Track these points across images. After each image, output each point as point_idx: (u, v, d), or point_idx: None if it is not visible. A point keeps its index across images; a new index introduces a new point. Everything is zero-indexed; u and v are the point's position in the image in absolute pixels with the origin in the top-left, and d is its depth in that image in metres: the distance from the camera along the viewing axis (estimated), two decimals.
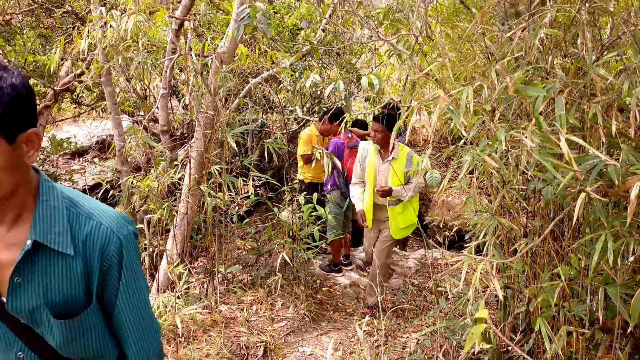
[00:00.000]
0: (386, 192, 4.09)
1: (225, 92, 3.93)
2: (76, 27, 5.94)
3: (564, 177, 1.94)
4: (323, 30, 5.02)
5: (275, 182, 4.80)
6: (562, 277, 2.23)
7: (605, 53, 2.46)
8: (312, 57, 5.56)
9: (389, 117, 4.08)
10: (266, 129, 6.85)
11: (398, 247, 6.85)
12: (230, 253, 5.03)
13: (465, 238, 2.88)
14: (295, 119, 7.13)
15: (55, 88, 6.05)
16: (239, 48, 3.90)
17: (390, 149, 4.22)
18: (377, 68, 7.89)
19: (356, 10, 3.04)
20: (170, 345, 3.33)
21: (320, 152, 4.30)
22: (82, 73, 5.90)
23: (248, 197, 4.44)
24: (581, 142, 1.86)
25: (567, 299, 2.41)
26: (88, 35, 3.97)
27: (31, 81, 6.51)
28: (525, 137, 1.90)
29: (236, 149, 4.00)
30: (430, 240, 2.86)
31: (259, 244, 5.29)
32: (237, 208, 4.66)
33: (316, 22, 5.47)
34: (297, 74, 5.42)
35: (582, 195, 1.87)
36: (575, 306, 2.40)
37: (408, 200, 4.17)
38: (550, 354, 2.20)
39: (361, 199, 4.45)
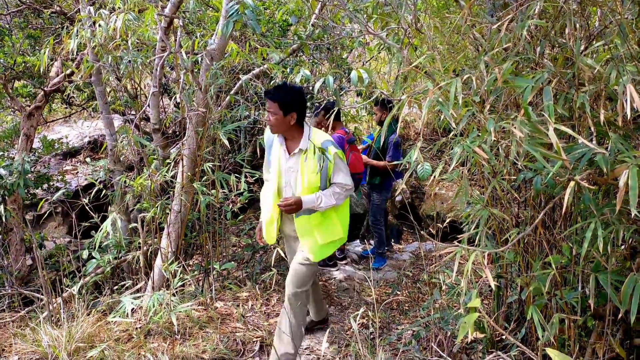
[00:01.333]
0: (291, 208, 3.06)
1: (216, 89, 3.92)
2: (65, 27, 5.91)
3: (553, 167, 1.96)
4: (312, 25, 5.02)
5: None
6: (554, 266, 2.25)
7: (592, 42, 2.48)
8: (303, 52, 5.55)
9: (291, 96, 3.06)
10: (258, 126, 6.84)
11: (393, 240, 6.87)
12: (225, 250, 5.03)
13: (463, 229, 2.90)
14: None
15: (45, 89, 6.01)
16: (229, 45, 3.90)
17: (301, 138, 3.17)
18: (368, 62, 7.89)
19: (345, 4, 3.05)
20: (166, 342, 3.33)
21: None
22: (72, 73, 5.88)
23: (242, 194, 4.45)
24: (570, 131, 1.88)
25: (559, 287, 2.44)
26: (77, 35, 3.95)
27: (21, 82, 6.47)
28: (515, 127, 1.91)
29: (229, 146, 4.00)
30: (423, 232, 2.88)
31: (254, 240, 5.29)
32: (230, 205, 4.67)
33: (306, 18, 5.47)
34: (288, 70, 5.42)
35: (572, 184, 1.89)
36: (567, 294, 2.43)
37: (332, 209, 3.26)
38: (543, 342, 2.22)
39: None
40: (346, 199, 3.30)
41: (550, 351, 1.50)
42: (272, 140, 3.30)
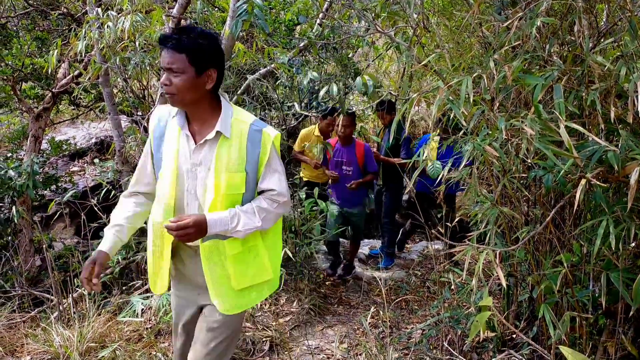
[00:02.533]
0: (188, 233, 1.90)
1: (223, 90, 3.93)
2: (72, 29, 5.94)
3: (564, 164, 1.95)
4: (320, 25, 5.02)
5: None
6: (565, 264, 2.25)
7: (602, 40, 2.47)
8: (310, 52, 5.56)
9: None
10: None
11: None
12: None
13: (471, 228, 2.89)
14: (293, 114, 7.14)
15: (53, 90, 6.05)
16: (236, 45, 3.91)
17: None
18: (374, 61, 7.89)
19: (353, 3, 3.05)
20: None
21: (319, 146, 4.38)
22: (80, 74, 5.91)
23: None
24: (581, 129, 1.88)
25: (569, 285, 2.43)
26: (85, 37, 3.98)
27: (29, 84, 6.51)
28: (525, 125, 1.91)
29: None
30: (433, 231, 2.87)
31: None
32: None
33: (313, 17, 5.47)
34: (294, 70, 5.43)
35: (583, 181, 1.89)
36: (578, 292, 2.42)
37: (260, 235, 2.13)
38: (555, 340, 2.22)
39: (118, 230, 2.12)
40: (278, 219, 2.17)
41: (563, 349, 1.50)
42: (163, 127, 2.10)
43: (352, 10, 3.20)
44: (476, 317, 1.93)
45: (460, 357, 2.52)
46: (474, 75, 2.15)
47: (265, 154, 2.05)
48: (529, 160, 2.17)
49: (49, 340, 3.24)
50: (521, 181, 2.66)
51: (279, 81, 6.04)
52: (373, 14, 2.99)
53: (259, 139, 2.04)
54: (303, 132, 5.59)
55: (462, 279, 3.17)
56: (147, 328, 3.51)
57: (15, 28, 6.73)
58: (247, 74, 5.14)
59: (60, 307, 3.65)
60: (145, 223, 2.25)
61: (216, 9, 5.68)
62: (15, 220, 4.91)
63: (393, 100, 5.44)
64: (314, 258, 4.61)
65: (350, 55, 6.50)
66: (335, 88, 2.61)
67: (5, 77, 5.60)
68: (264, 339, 3.57)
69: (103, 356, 2.99)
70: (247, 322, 3.76)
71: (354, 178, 4.89)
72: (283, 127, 6.69)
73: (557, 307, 2.55)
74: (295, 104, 6.73)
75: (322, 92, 2.69)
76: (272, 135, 2.06)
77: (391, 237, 5.68)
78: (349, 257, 5.27)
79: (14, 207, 4.57)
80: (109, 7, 5.10)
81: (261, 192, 2.11)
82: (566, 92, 2.23)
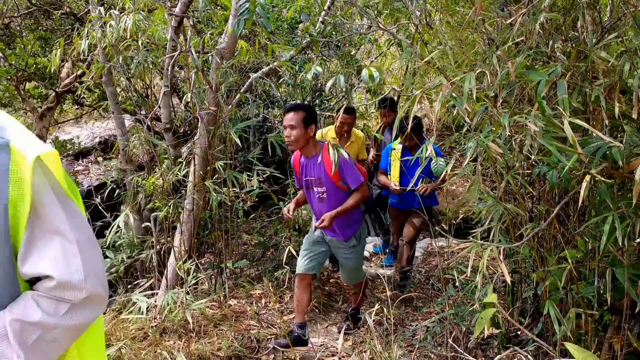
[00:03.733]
0: None
1: (226, 88, 3.93)
2: (75, 29, 5.95)
3: (568, 161, 1.95)
4: (322, 22, 5.01)
5: (280, 175, 4.80)
6: (570, 260, 2.24)
7: (605, 35, 2.46)
8: (312, 50, 5.55)
9: None
10: (268, 124, 6.86)
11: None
12: (237, 248, 5.05)
13: (475, 225, 2.88)
14: None
15: (57, 90, 6.06)
16: (238, 43, 3.91)
17: None
18: (377, 59, 7.88)
19: (355, 0, 3.04)
20: (181, 340, 3.36)
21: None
22: (83, 74, 5.92)
23: (251, 191, 4.46)
24: (585, 124, 1.87)
25: (574, 282, 2.42)
26: (88, 36, 3.98)
27: (33, 84, 6.53)
28: (529, 121, 1.91)
29: (239, 144, 4.01)
30: (437, 228, 2.87)
31: (265, 238, 5.31)
32: (241, 203, 4.68)
33: (315, 15, 5.46)
34: (297, 68, 5.42)
35: (587, 177, 1.88)
36: (583, 288, 2.42)
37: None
38: (560, 336, 2.22)
39: None
40: (79, 334, 1.11)
41: (569, 345, 1.49)
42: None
43: (355, 8, 3.20)
44: (481, 314, 1.92)
45: (465, 353, 2.52)
46: (477, 71, 2.14)
47: (23, 197, 1.01)
48: (532, 157, 2.16)
49: None
50: (525, 178, 2.66)
51: (282, 79, 6.04)
52: (375, 11, 2.99)
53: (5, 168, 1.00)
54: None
55: (466, 276, 3.17)
56: (152, 326, 3.52)
57: (18, 28, 6.74)
58: (250, 72, 5.14)
59: None
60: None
61: (218, 7, 5.68)
62: None
63: (395, 98, 5.40)
64: None
65: (352, 53, 6.49)
66: (342, 79, 2.58)
67: (9, 77, 5.61)
68: (269, 337, 3.58)
69: (109, 354, 3.00)
70: (251, 319, 3.77)
71: (330, 203, 3.38)
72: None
73: (561, 304, 2.54)
74: (298, 102, 6.73)
75: (328, 85, 2.65)
76: (31, 156, 1.01)
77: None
78: (353, 303, 3.94)
79: None
80: (112, 6, 5.11)
81: (31, 282, 1.08)
82: (570, 88, 2.22)
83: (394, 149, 4.63)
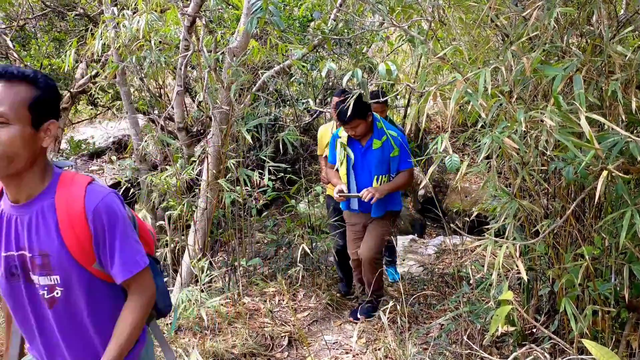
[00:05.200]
0: None
1: (238, 87, 3.95)
2: (89, 30, 6.01)
3: (585, 156, 1.93)
4: (334, 20, 5.01)
5: (292, 174, 4.82)
6: (587, 257, 2.22)
7: (621, 29, 2.43)
8: (324, 48, 5.55)
9: None
10: (279, 122, 6.88)
11: (416, 234, 6.85)
12: (250, 246, 5.07)
13: (489, 222, 2.84)
14: (307, 111, 7.15)
15: (71, 90, 6.13)
16: (250, 42, 3.92)
17: None
18: (388, 56, 7.85)
19: None
20: (196, 338, 3.38)
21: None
22: (97, 74, 5.97)
23: (265, 190, 4.47)
24: (602, 119, 1.85)
25: (591, 279, 2.40)
26: (101, 36, 4.02)
27: None
28: (545, 116, 1.89)
29: (251, 142, 4.02)
30: (452, 225, 2.86)
31: (278, 236, 5.33)
32: (254, 202, 4.70)
33: (326, 12, 5.46)
34: (308, 66, 5.42)
35: (604, 173, 1.86)
36: (600, 285, 2.39)
37: None
38: (577, 334, 2.20)
39: None
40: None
41: (586, 343, 1.48)
42: None
43: (366, 5, 3.19)
44: (496, 311, 1.91)
45: (480, 351, 2.51)
46: (492, 66, 2.13)
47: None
48: (548, 153, 2.14)
49: None
50: (540, 174, 2.63)
51: (293, 78, 6.04)
52: (387, 8, 2.98)
53: None
54: (322, 130, 4.59)
55: (482, 274, 3.15)
56: (167, 324, 3.54)
57: (33, 29, 6.82)
58: (261, 71, 5.15)
59: None
60: None
61: (230, 6, 5.71)
62: None
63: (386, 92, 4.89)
64: (330, 253, 4.61)
65: (364, 51, 6.48)
66: (359, 72, 2.55)
67: None
68: (282, 334, 3.59)
69: None
70: (265, 317, 3.78)
71: None
72: (297, 124, 6.70)
73: (578, 301, 2.52)
74: (310, 100, 6.74)
75: (345, 79, 2.60)
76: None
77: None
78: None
79: None
80: (125, 7, 5.15)
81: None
82: (585, 83, 2.20)
83: (340, 137, 3.69)
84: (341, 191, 3.63)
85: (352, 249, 3.95)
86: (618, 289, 2.41)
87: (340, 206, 3.95)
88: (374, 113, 3.76)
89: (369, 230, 3.83)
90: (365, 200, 3.49)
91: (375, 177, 3.64)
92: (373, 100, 4.03)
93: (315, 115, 7.28)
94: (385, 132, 3.61)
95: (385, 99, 4.12)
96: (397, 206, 3.88)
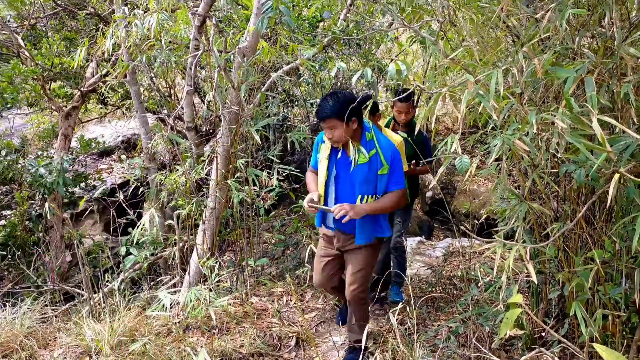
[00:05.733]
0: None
1: (248, 87, 3.95)
2: (100, 29, 6.04)
3: (597, 159, 1.91)
4: (344, 20, 5.01)
5: (300, 174, 4.81)
6: (597, 261, 2.20)
7: (633, 31, 2.41)
8: (333, 48, 5.55)
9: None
10: (288, 123, 6.88)
11: (424, 236, 6.84)
12: (258, 246, 5.08)
13: (497, 224, 2.80)
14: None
15: (82, 89, 6.16)
16: (260, 42, 3.92)
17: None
18: (397, 57, 7.84)
19: None
20: (204, 337, 3.39)
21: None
22: (108, 73, 6.01)
23: (272, 190, 4.48)
24: (614, 122, 1.84)
25: (601, 283, 2.38)
26: (112, 36, 4.04)
27: (58, 83, 6.65)
28: (557, 119, 1.88)
29: (260, 142, 4.02)
30: (462, 227, 2.84)
31: (286, 236, 5.33)
32: (262, 201, 4.71)
33: (336, 13, 5.46)
34: (317, 66, 5.42)
35: (616, 176, 1.85)
36: (611, 289, 2.37)
37: None
38: (587, 338, 2.18)
39: None
40: None
41: (598, 347, 1.47)
42: None
43: (377, 5, 3.18)
44: (506, 314, 1.90)
45: (489, 354, 2.49)
46: (503, 68, 2.12)
47: None
48: (559, 155, 2.13)
49: (80, 334, 3.31)
50: (550, 176, 2.62)
51: (302, 78, 6.04)
52: (398, 8, 2.97)
53: None
54: None
55: (491, 277, 3.13)
56: (175, 323, 3.56)
57: (44, 28, 6.87)
58: (271, 71, 5.16)
59: (91, 302, 3.72)
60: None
61: (240, 6, 5.72)
62: (47, 217, 5.02)
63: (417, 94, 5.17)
64: None
65: (373, 52, 6.47)
66: (369, 72, 2.53)
67: (35, 77, 5.72)
68: (290, 335, 3.59)
69: (134, 350, 3.05)
70: (273, 317, 3.79)
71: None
72: (306, 123, 6.70)
73: (588, 305, 2.50)
74: (319, 100, 6.73)
75: (354, 78, 2.55)
76: None
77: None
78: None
79: (46, 204, 4.68)
80: (136, 6, 5.17)
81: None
82: (597, 85, 2.18)
83: (325, 142, 3.12)
84: (312, 200, 3.02)
85: (320, 278, 3.35)
86: (628, 293, 2.39)
87: (315, 222, 3.35)
88: (369, 122, 3.14)
89: (351, 260, 3.16)
90: (337, 217, 2.87)
91: (360, 196, 2.99)
92: (396, 98, 3.89)
93: None
94: (375, 145, 2.98)
95: (407, 95, 3.62)
96: (386, 232, 3.15)
